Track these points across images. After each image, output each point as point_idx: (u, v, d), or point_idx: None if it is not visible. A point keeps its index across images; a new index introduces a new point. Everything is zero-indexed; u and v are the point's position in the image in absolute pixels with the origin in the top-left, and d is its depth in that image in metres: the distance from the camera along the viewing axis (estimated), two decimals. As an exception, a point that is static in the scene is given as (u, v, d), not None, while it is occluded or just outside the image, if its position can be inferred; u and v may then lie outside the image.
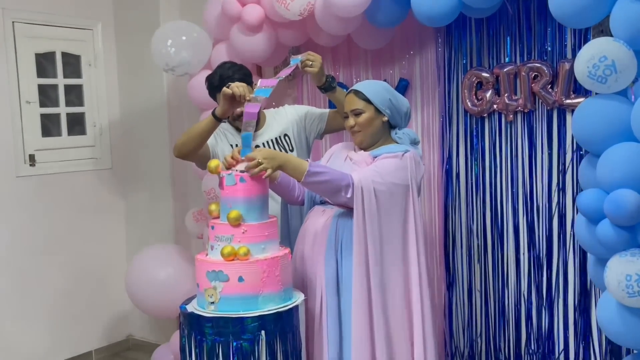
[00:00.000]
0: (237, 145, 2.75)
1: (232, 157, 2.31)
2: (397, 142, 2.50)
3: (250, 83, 2.74)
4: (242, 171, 2.24)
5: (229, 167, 2.31)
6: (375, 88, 2.49)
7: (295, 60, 2.63)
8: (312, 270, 2.45)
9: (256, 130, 2.86)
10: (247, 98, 2.43)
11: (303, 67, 2.63)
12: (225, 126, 2.88)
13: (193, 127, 2.68)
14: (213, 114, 2.58)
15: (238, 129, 2.84)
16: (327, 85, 2.70)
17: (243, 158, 2.28)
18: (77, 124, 4.06)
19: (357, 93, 2.48)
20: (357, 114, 2.47)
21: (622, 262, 2.08)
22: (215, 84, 2.75)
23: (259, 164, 2.23)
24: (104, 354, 4.18)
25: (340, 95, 2.72)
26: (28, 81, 3.76)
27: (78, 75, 4.05)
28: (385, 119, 2.48)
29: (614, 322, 2.18)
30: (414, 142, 2.54)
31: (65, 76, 3.97)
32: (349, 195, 2.32)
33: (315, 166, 2.32)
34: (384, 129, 2.51)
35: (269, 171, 2.25)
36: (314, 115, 2.94)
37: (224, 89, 2.50)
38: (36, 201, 3.82)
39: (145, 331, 4.27)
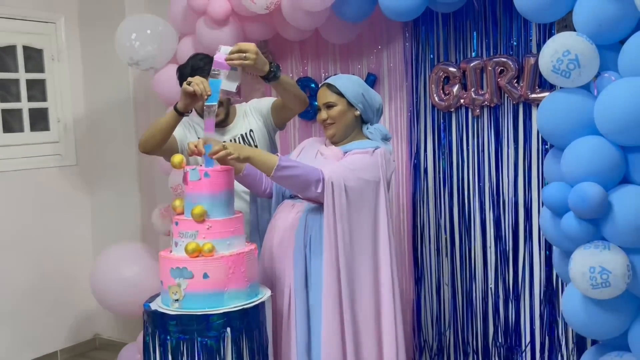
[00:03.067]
0: None
1: (196, 146, 2.27)
2: (368, 138, 2.50)
3: None
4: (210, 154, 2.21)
5: (191, 154, 2.27)
6: (347, 82, 2.48)
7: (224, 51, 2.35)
8: (281, 266, 2.43)
9: (226, 125, 2.81)
10: (208, 93, 2.33)
11: (233, 60, 2.30)
12: (196, 120, 2.84)
13: (155, 122, 2.63)
14: (175, 108, 2.54)
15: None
16: (272, 75, 2.44)
17: (207, 152, 2.25)
18: (40, 120, 3.97)
19: (330, 86, 2.47)
20: (329, 106, 2.46)
21: (586, 254, 2.10)
22: (186, 74, 2.68)
23: (225, 148, 2.21)
24: (70, 354, 4.11)
25: (285, 81, 2.54)
26: (-13, 75, 3.67)
27: (41, 69, 3.96)
28: (357, 113, 2.48)
29: (579, 313, 2.21)
30: (385, 138, 2.54)
31: (27, 70, 3.87)
32: (319, 191, 2.30)
33: (285, 160, 2.30)
34: (356, 123, 2.50)
35: (235, 155, 2.22)
36: (263, 107, 2.87)
37: (184, 85, 2.41)
38: (-2, 199, 3.73)
39: (111, 330, 4.20)
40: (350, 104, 2.46)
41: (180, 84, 2.75)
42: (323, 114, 2.48)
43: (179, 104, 2.50)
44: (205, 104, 2.35)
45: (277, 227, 2.47)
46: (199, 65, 2.67)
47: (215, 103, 2.33)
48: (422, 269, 3.26)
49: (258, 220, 2.74)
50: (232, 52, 2.31)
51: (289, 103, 2.69)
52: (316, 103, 3.37)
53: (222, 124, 2.77)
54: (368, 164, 2.39)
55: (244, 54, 2.31)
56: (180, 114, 2.52)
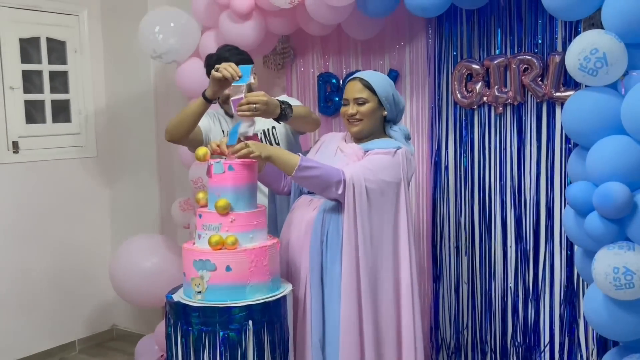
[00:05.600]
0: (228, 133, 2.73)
1: (218, 146, 2.28)
2: (390, 137, 2.48)
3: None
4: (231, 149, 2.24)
5: (213, 153, 2.29)
6: (381, 81, 2.45)
7: (244, 79, 2.41)
8: (297, 261, 2.44)
9: None
10: (239, 75, 2.37)
11: (243, 112, 2.35)
12: (221, 111, 2.86)
13: (184, 110, 2.64)
14: (203, 95, 2.55)
15: (227, 114, 2.83)
16: (283, 117, 2.49)
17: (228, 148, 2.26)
18: (62, 111, 4.01)
19: (363, 81, 2.43)
20: (360, 102, 2.42)
21: (609, 255, 2.09)
22: (212, 64, 2.67)
23: (247, 147, 2.22)
24: (88, 344, 4.14)
25: (298, 115, 2.55)
26: (12, 67, 3.69)
27: (63, 61, 3.99)
28: (385, 113, 2.46)
29: (601, 314, 2.20)
30: (407, 138, 2.53)
31: (50, 62, 3.90)
32: (339, 192, 2.29)
33: (306, 160, 2.29)
34: (380, 123, 2.48)
35: (256, 153, 2.23)
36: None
37: (213, 72, 2.45)
38: (19, 189, 3.77)
39: (129, 321, 4.23)
40: (380, 103, 2.44)
41: (207, 73, 2.77)
42: (352, 109, 2.43)
43: (207, 90, 2.52)
44: (234, 84, 2.37)
45: (294, 222, 2.47)
46: (224, 55, 2.69)
47: (244, 84, 2.36)
48: (441, 266, 3.25)
49: (276, 217, 2.74)
50: (241, 105, 2.35)
51: (302, 129, 2.77)
52: (337, 98, 3.43)
53: None
54: (389, 164, 2.37)
55: (254, 106, 2.34)
56: (209, 101, 2.54)
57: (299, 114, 2.56)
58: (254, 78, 2.70)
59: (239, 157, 2.23)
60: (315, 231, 2.38)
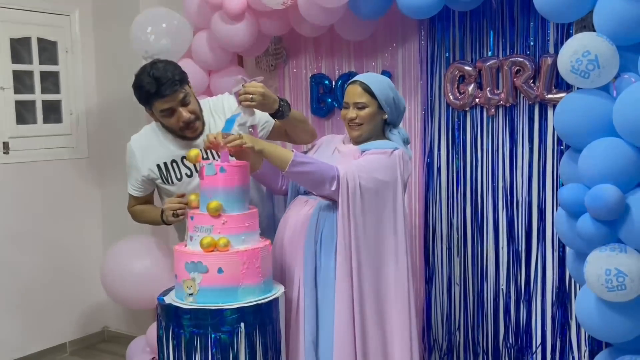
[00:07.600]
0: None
1: (215, 138, 2.27)
2: (388, 139, 2.48)
3: (187, 82, 2.57)
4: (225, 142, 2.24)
5: (209, 146, 2.28)
6: (381, 84, 2.44)
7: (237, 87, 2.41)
8: (291, 260, 2.43)
9: (197, 137, 2.67)
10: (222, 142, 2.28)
11: (241, 102, 2.36)
12: (220, 109, 2.76)
13: (146, 214, 2.87)
14: (162, 217, 2.65)
15: (182, 137, 2.67)
16: (280, 114, 2.47)
17: (223, 142, 2.25)
18: (53, 112, 3.98)
19: (363, 85, 2.42)
20: (360, 107, 2.41)
21: (601, 257, 2.09)
22: (152, 90, 2.47)
23: (241, 138, 2.22)
24: (79, 346, 4.12)
25: (295, 118, 2.55)
26: (2, 67, 3.66)
27: (54, 62, 3.96)
28: (385, 116, 2.45)
29: (593, 316, 2.20)
30: (406, 142, 2.52)
31: (41, 62, 3.88)
32: (333, 188, 2.29)
33: (300, 156, 2.29)
34: (380, 126, 2.48)
35: (248, 144, 2.22)
36: (261, 120, 2.73)
37: (171, 218, 2.56)
38: (10, 190, 3.74)
39: (121, 323, 4.21)
40: (380, 107, 2.43)
41: (145, 102, 2.55)
42: (352, 113, 2.43)
43: (166, 215, 2.60)
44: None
45: (288, 222, 2.47)
46: (167, 77, 2.47)
47: (240, 80, 2.40)
48: (434, 268, 3.25)
49: (274, 218, 2.73)
50: (240, 94, 2.36)
51: (296, 138, 2.72)
52: (330, 100, 3.43)
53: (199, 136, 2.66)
54: (385, 164, 2.37)
55: (251, 96, 2.35)
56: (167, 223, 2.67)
57: (296, 116, 2.56)
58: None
59: (232, 147, 2.22)
60: (309, 231, 2.38)
